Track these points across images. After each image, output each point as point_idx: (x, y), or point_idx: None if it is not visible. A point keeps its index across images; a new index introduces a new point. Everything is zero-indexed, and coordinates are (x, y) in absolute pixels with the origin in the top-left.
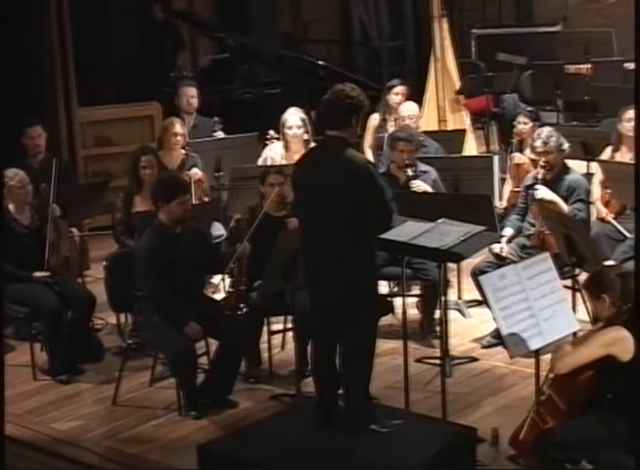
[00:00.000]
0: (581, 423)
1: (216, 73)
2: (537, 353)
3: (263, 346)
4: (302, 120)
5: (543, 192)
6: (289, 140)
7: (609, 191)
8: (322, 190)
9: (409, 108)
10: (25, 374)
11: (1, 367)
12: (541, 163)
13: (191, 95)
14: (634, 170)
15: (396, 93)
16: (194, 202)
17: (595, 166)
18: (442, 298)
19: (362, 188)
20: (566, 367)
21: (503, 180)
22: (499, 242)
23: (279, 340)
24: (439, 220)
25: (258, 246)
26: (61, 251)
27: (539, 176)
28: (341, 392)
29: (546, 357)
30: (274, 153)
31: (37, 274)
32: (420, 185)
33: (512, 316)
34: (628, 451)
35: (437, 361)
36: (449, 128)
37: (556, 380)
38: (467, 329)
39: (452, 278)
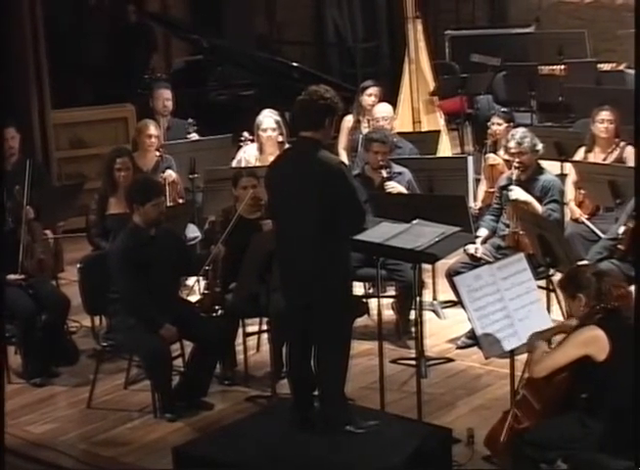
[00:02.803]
0: (556, 423)
1: (190, 75)
2: (512, 354)
3: (238, 347)
4: (277, 123)
5: (517, 193)
6: (263, 142)
7: (582, 192)
8: (295, 191)
9: (383, 109)
10: None
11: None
12: (515, 163)
13: (166, 97)
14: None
15: (370, 94)
16: (168, 204)
17: (569, 167)
18: (417, 299)
19: (335, 189)
20: (544, 370)
21: (477, 181)
22: (474, 243)
23: (254, 342)
24: (414, 221)
25: (233, 248)
26: (35, 253)
27: (513, 177)
28: (316, 393)
29: (521, 358)
30: (248, 155)
31: (11, 277)
32: (394, 186)
33: (487, 317)
34: (603, 450)
35: (413, 362)
36: (424, 129)
37: (531, 380)
38: (442, 330)
39: (427, 279)
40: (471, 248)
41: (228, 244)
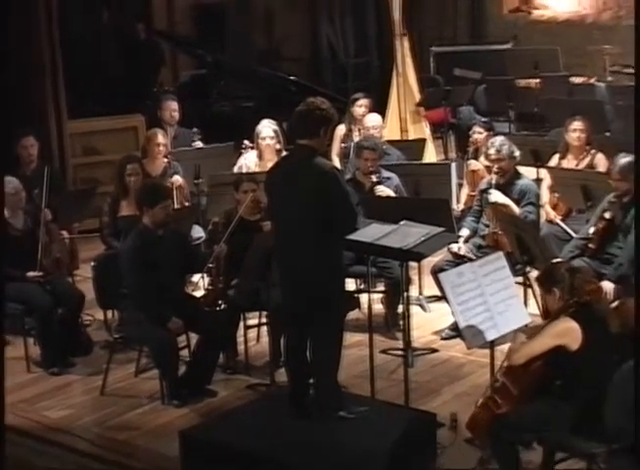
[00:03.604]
0: (532, 408)
1: (195, 88)
2: (492, 344)
3: (240, 339)
4: (275, 132)
5: (496, 196)
6: (262, 149)
7: (556, 195)
8: (293, 195)
9: (373, 119)
10: (19, 366)
11: (1, 361)
12: (495, 169)
13: (173, 108)
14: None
15: (360, 105)
16: (175, 206)
17: (544, 172)
18: (405, 294)
19: (329, 193)
20: (522, 358)
21: (460, 185)
22: (457, 242)
23: (254, 334)
24: (402, 222)
25: (235, 247)
26: (52, 252)
27: (493, 181)
28: (311, 381)
29: (501, 348)
30: (249, 161)
31: (30, 274)
32: (383, 190)
33: (469, 310)
34: (575, 433)
35: (400, 352)
36: (410, 138)
37: (509, 368)
38: (427, 322)
39: (414, 276)
40: (454, 247)
41: (230, 243)
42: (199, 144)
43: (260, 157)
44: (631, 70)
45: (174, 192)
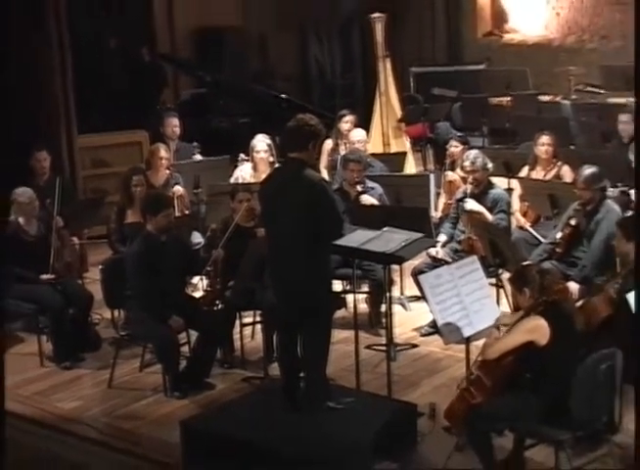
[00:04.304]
0: (504, 398)
1: (195, 106)
2: (468, 340)
3: (236, 336)
4: (268, 146)
5: (471, 204)
6: (257, 162)
7: (526, 203)
8: (284, 204)
9: (358, 134)
10: (34, 361)
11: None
12: (470, 179)
13: (174, 124)
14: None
15: (346, 121)
16: (177, 214)
17: (515, 183)
18: (387, 294)
19: (318, 201)
20: (495, 353)
21: (438, 194)
22: (435, 246)
23: (249, 331)
24: (384, 229)
25: (231, 252)
26: (64, 256)
27: (468, 191)
28: (302, 374)
29: (476, 343)
30: (244, 172)
31: (43, 276)
32: (368, 199)
33: (446, 309)
34: (543, 422)
35: (383, 348)
36: (392, 151)
37: (483, 362)
38: (408, 320)
39: (396, 277)
40: (432, 251)
41: (227, 248)
42: (198, 157)
43: (255, 168)
44: (593, 89)
45: (176, 201)
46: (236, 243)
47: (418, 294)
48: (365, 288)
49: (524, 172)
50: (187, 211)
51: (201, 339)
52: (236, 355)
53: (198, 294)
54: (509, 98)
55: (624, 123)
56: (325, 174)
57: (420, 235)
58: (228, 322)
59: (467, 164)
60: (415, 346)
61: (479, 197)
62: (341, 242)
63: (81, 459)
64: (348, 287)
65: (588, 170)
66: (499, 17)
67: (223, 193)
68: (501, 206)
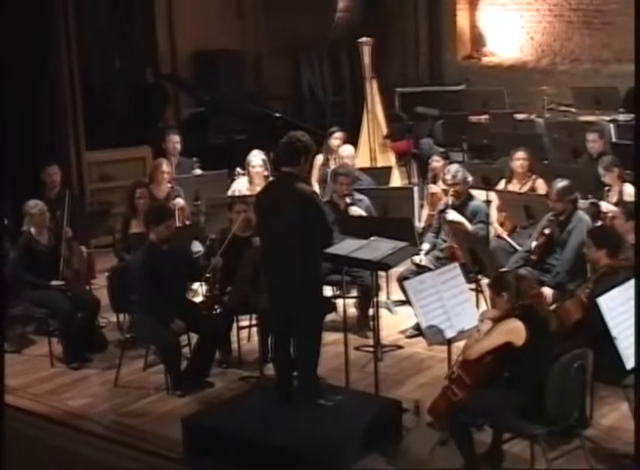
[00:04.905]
0: (484, 396)
1: (195, 124)
2: (449, 342)
3: (233, 338)
4: (263, 161)
5: (452, 215)
6: (252, 176)
7: (503, 214)
8: (278, 215)
9: (347, 149)
10: (45, 362)
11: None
12: (451, 192)
13: (175, 141)
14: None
15: (336, 138)
16: (178, 225)
17: (493, 195)
18: (374, 299)
19: (309, 213)
20: (475, 353)
21: (421, 206)
22: (419, 254)
23: (246, 333)
24: (372, 238)
25: (229, 259)
26: (72, 264)
27: (449, 203)
28: (295, 374)
29: (457, 344)
30: (241, 186)
31: (54, 283)
32: (356, 210)
33: (429, 313)
34: (520, 417)
35: (371, 349)
36: (379, 166)
37: (464, 362)
38: (394, 323)
39: (382, 283)
40: (416, 258)
41: (225, 256)
42: (198, 171)
43: (251, 182)
44: (565, 108)
45: (177, 212)
46: (233, 251)
47: (403, 298)
48: (354, 293)
49: (501, 185)
50: (187, 222)
51: (201, 341)
52: (233, 356)
53: (198, 299)
54: (487, 116)
55: (592, 142)
56: (316, 187)
57: (405, 244)
58: (226, 325)
59: (448, 177)
60: (400, 347)
61: (459, 208)
62: (331, 250)
63: (89, 453)
64: (338, 292)
65: (560, 183)
66: (478, 41)
67: (221, 205)
68: (480, 216)
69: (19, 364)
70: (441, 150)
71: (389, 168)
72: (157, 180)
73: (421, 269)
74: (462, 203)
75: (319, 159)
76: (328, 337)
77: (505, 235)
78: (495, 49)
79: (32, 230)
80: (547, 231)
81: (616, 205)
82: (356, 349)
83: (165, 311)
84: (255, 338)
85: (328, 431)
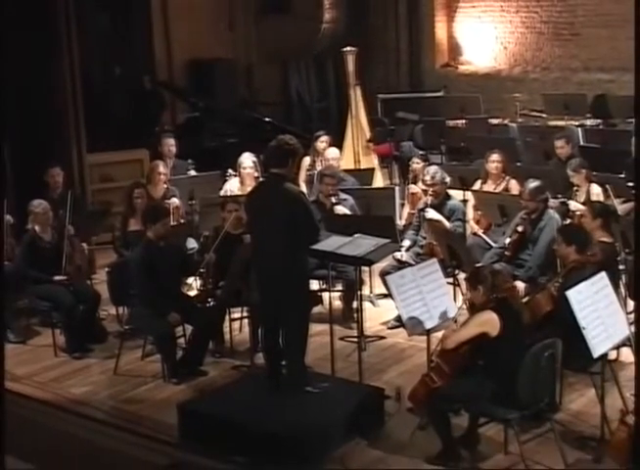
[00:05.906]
0: (461, 383)
1: (189, 128)
2: (429, 332)
3: (226, 329)
4: (254, 162)
5: (431, 213)
6: (243, 177)
7: (479, 212)
8: (268, 214)
9: (332, 152)
10: (48, 352)
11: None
12: (430, 192)
13: (171, 144)
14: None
15: (322, 141)
16: (173, 223)
17: (469, 194)
18: (358, 292)
19: (297, 211)
20: (453, 343)
21: (402, 205)
22: (400, 251)
23: (238, 325)
24: (356, 235)
25: (221, 255)
26: (74, 260)
27: (428, 202)
28: (283, 363)
29: (436, 335)
30: (232, 186)
31: (57, 277)
32: (341, 209)
33: (410, 305)
34: (494, 403)
35: (355, 339)
36: (362, 167)
37: (442, 351)
38: (377, 315)
39: (366, 278)
40: (397, 254)
41: (217, 253)
42: (192, 173)
43: (242, 183)
44: (536, 114)
45: (172, 211)
46: (226, 248)
47: (385, 292)
48: (339, 287)
49: (477, 186)
50: (182, 221)
51: (195, 332)
52: (226, 346)
53: (192, 293)
54: (464, 121)
55: (560, 148)
56: (303, 188)
57: (387, 241)
58: (219, 317)
59: (427, 178)
60: (383, 337)
61: (438, 207)
62: (317, 247)
63: (90, 437)
64: (324, 286)
65: (532, 184)
66: (455, 50)
67: (214, 204)
68: (457, 215)
69: (24, 354)
70: (421, 152)
71: (372, 170)
72: (154, 181)
73: (402, 265)
74: (440, 202)
75: (306, 161)
76: (314, 328)
77: (481, 232)
78: (471, 58)
79: (36, 228)
80: (520, 229)
81: (583, 204)
82: (341, 339)
83: (162, 304)
84: (246, 329)
85: (314, 416)
